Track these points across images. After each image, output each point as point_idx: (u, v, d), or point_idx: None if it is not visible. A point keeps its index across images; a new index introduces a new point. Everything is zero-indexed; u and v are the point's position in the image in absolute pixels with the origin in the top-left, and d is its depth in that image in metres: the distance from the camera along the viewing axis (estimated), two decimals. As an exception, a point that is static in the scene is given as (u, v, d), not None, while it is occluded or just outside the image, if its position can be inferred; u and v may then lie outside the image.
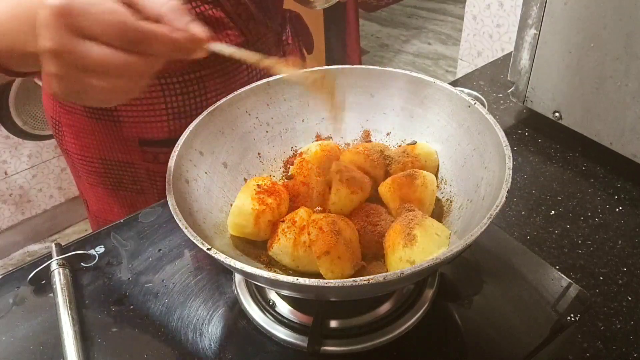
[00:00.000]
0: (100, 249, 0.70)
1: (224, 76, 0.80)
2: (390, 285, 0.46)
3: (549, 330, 0.57)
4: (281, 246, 0.54)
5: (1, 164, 1.86)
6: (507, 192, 0.47)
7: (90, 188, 0.91)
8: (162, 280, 0.65)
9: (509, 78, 0.91)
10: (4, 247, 2.04)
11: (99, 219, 0.94)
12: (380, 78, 0.67)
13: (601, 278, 0.64)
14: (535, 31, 0.82)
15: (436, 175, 0.62)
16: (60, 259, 0.65)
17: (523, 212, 0.73)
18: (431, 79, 0.63)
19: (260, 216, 0.55)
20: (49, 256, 0.66)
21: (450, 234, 0.54)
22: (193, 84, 0.78)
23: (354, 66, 0.67)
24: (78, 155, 0.87)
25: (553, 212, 0.73)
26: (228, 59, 0.75)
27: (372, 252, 0.56)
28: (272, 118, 0.67)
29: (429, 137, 0.65)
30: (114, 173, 0.86)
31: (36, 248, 2.09)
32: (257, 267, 0.49)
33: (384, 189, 0.59)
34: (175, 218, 0.48)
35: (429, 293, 0.59)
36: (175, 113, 0.79)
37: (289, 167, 0.66)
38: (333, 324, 0.57)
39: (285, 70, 0.52)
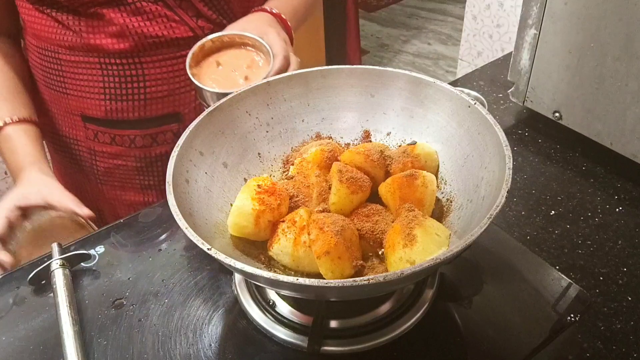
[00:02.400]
0: (100, 249, 0.70)
1: (166, 67, 0.81)
2: (390, 285, 0.46)
3: (549, 330, 0.57)
4: (281, 246, 0.54)
5: (1, 164, 1.86)
6: (507, 192, 0.47)
7: (54, 163, 0.96)
8: (162, 280, 0.65)
9: (509, 78, 0.91)
10: (4, 247, 2.03)
11: None
12: (380, 78, 0.67)
13: (601, 278, 0.64)
14: (535, 31, 0.82)
15: (436, 175, 0.62)
16: (60, 259, 0.65)
17: (523, 212, 0.73)
18: (431, 79, 0.63)
19: (260, 216, 0.55)
20: (49, 256, 0.66)
21: (450, 234, 0.54)
22: (132, 69, 0.79)
23: (354, 66, 0.67)
24: (41, 130, 0.91)
25: (553, 212, 0.73)
26: (170, 50, 0.80)
27: (372, 252, 0.56)
28: (272, 118, 0.67)
29: (429, 137, 0.65)
30: (61, 148, 0.89)
31: (36, 248, 2.08)
32: (257, 267, 0.49)
33: (384, 189, 0.59)
34: (175, 218, 0.48)
35: (429, 293, 0.59)
36: (112, 94, 0.80)
37: (289, 167, 0.66)
38: (333, 324, 0.57)
39: None
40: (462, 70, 2.02)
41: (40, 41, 0.81)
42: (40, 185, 0.73)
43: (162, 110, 0.82)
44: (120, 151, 0.85)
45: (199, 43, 0.72)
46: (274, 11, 0.81)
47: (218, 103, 0.62)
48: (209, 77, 0.72)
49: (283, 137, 0.68)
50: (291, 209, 0.58)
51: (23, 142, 0.79)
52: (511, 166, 0.50)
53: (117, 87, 0.80)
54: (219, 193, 0.60)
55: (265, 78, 0.67)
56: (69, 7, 0.76)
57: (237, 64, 0.73)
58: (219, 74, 0.72)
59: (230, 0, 0.83)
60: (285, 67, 0.72)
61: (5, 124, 0.79)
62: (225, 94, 0.66)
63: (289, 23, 0.82)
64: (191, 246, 0.69)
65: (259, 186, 0.56)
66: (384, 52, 3.22)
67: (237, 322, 0.60)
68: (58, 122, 0.87)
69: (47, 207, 0.72)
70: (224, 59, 0.74)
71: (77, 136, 0.86)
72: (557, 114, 0.84)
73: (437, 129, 0.64)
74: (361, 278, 0.41)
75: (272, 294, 0.60)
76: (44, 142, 0.90)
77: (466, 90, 0.62)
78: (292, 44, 0.82)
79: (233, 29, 0.75)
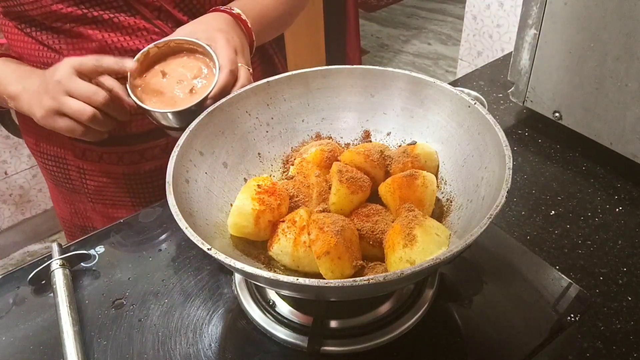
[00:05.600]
0: (100, 249, 0.70)
1: None
2: (390, 285, 0.46)
3: (549, 330, 0.57)
4: (281, 246, 0.54)
5: (1, 164, 1.86)
6: (507, 192, 0.47)
7: (46, 180, 0.94)
8: (162, 280, 0.65)
9: (509, 78, 0.91)
10: (4, 247, 2.04)
11: (56, 209, 0.97)
12: (380, 78, 0.67)
13: (601, 278, 0.64)
14: (535, 31, 0.82)
15: (436, 175, 0.62)
16: (61, 259, 0.65)
17: (523, 212, 0.73)
18: (431, 79, 0.63)
19: (260, 216, 0.55)
20: (49, 256, 0.66)
21: (450, 234, 0.54)
22: None
23: (354, 66, 0.67)
24: (30, 148, 0.90)
25: (553, 212, 0.73)
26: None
27: (372, 252, 0.56)
28: (272, 118, 0.67)
29: (429, 137, 0.65)
30: (51, 168, 0.87)
31: (36, 248, 2.08)
32: (257, 267, 0.49)
33: (384, 189, 0.59)
34: (175, 218, 0.48)
35: (429, 293, 0.59)
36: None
37: (289, 167, 0.66)
38: (333, 324, 0.57)
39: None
40: (462, 70, 2.02)
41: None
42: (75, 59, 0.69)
43: (148, 125, 0.80)
44: (109, 169, 0.84)
45: (143, 50, 0.68)
46: (234, 11, 0.75)
47: (218, 103, 0.62)
48: (153, 91, 0.68)
49: (283, 137, 0.68)
50: (291, 209, 0.58)
51: (10, 62, 0.76)
52: (511, 166, 0.50)
53: None
54: (219, 193, 0.60)
55: (208, 94, 0.64)
56: (46, 24, 0.74)
57: (183, 75, 0.69)
58: (164, 87, 0.68)
59: (209, 7, 0.79)
60: (231, 82, 0.66)
61: None
62: (173, 113, 0.64)
63: (249, 25, 0.76)
64: (191, 246, 0.69)
65: (259, 186, 0.56)
66: (384, 52, 3.22)
67: (237, 322, 0.60)
68: (46, 141, 0.85)
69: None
70: (170, 67, 0.69)
71: (65, 155, 0.84)
72: (557, 114, 0.84)
73: (437, 129, 0.64)
74: (361, 278, 0.41)
75: (272, 294, 0.60)
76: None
77: (466, 90, 0.62)
78: (252, 49, 0.77)
79: (183, 31, 0.71)
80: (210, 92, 0.64)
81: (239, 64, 0.68)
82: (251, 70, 0.70)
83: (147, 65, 0.69)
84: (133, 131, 0.81)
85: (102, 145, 0.81)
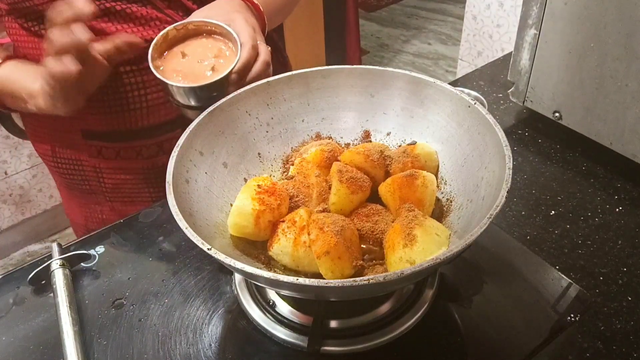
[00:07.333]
0: (100, 249, 0.70)
1: None
2: (390, 285, 0.46)
3: (549, 330, 0.57)
4: (281, 246, 0.54)
5: (1, 164, 1.86)
6: (507, 192, 0.47)
7: (58, 186, 0.93)
8: (162, 280, 0.65)
9: (509, 78, 0.91)
10: (4, 247, 2.04)
11: (68, 216, 0.96)
12: (380, 78, 0.67)
13: (601, 278, 0.64)
14: (535, 31, 0.82)
15: (436, 175, 0.62)
16: (61, 259, 0.65)
17: (523, 212, 0.73)
18: (431, 79, 0.63)
19: (260, 216, 0.55)
20: (49, 256, 0.66)
21: (450, 234, 0.54)
22: (130, 77, 0.77)
23: (354, 66, 0.67)
24: (40, 154, 0.89)
25: (553, 212, 0.73)
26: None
27: (372, 252, 0.56)
28: (272, 118, 0.67)
29: (429, 137, 0.65)
30: (65, 172, 0.86)
31: (36, 248, 2.08)
32: (257, 267, 0.49)
33: (384, 189, 0.59)
34: (175, 218, 0.48)
35: (429, 293, 0.59)
36: (112, 105, 0.78)
37: (289, 167, 0.66)
38: (333, 324, 0.57)
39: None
40: (462, 70, 2.02)
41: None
42: None
43: (165, 116, 0.80)
44: (126, 164, 0.83)
45: (162, 32, 0.68)
46: None
47: (218, 103, 0.62)
48: (174, 70, 0.68)
49: (283, 137, 0.68)
50: (291, 209, 0.58)
51: (22, 62, 0.75)
52: (511, 166, 0.50)
53: (117, 97, 0.77)
54: (219, 193, 0.60)
55: (232, 68, 0.65)
56: None
57: (203, 54, 0.69)
58: (185, 66, 0.68)
59: None
60: (253, 57, 0.67)
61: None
62: (192, 88, 0.64)
63: (261, 9, 0.77)
64: (191, 246, 0.69)
65: (259, 186, 0.56)
66: (384, 52, 3.22)
67: (237, 322, 0.60)
68: (59, 145, 0.84)
69: None
70: (189, 49, 0.70)
71: (79, 156, 0.83)
72: (557, 114, 0.84)
73: (437, 129, 0.64)
74: (361, 278, 0.41)
75: (272, 294, 0.60)
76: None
77: (466, 90, 0.62)
78: (264, 31, 0.77)
79: (199, 15, 0.71)
80: (235, 66, 0.65)
81: (258, 41, 0.69)
82: (269, 48, 0.71)
83: (166, 47, 0.70)
84: (151, 123, 0.80)
85: (119, 141, 0.81)
